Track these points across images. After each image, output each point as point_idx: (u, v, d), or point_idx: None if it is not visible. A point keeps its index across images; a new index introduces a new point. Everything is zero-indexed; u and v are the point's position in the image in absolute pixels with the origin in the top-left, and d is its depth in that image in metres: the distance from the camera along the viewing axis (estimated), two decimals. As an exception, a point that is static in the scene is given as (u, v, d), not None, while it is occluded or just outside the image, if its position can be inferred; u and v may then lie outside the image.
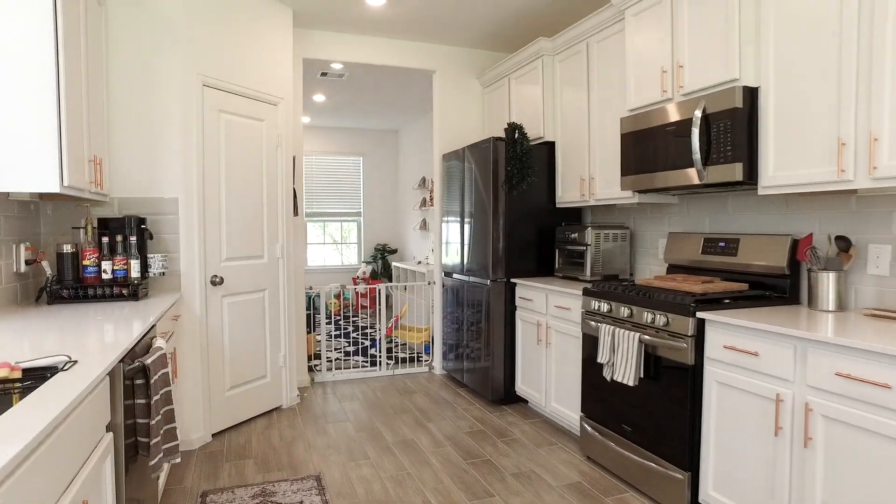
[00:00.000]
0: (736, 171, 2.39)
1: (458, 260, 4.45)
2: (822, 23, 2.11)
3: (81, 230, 2.88)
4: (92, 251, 2.72)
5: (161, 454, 1.88)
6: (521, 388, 3.88)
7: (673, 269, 3.20)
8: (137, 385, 1.82)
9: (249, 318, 3.66)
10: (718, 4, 2.49)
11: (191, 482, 2.84)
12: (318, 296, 6.59)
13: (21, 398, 1.38)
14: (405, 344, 5.93)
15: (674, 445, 2.45)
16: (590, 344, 3.02)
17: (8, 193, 2.47)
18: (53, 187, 2.25)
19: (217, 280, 3.39)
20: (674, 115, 2.71)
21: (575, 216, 4.12)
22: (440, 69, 4.75)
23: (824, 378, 1.85)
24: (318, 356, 5.24)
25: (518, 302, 3.89)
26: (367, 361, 5.27)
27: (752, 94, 2.38)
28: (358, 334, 6.50)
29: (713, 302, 2.45)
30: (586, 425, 3.05)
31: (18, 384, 1.41)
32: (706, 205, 3.10)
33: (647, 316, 2.57)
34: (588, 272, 3.51)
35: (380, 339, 5.03)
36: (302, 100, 4.39)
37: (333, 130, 8.82)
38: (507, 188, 3.85)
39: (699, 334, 2.35)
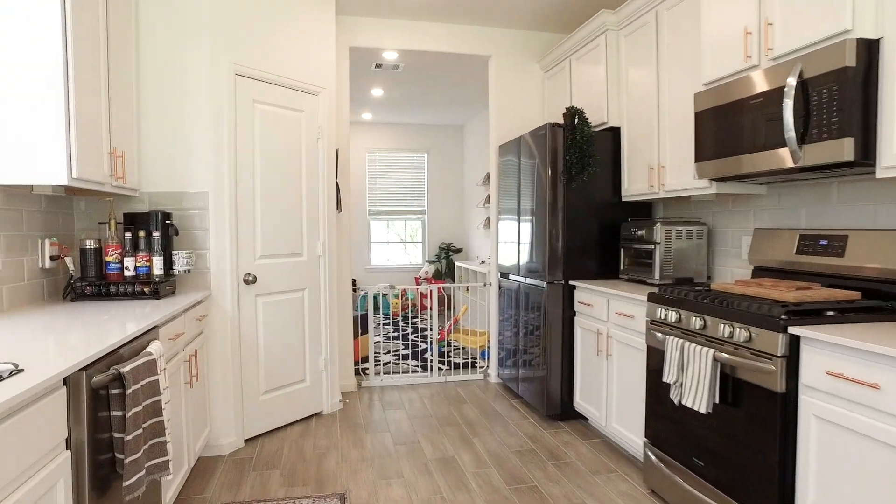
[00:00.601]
0: (844, 149, 1.89)
1: (514, 260, 4.09)
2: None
3: (105, 225, 2.79)
4: (115, 247, 2.61)
5: (142, 472, 1.67)
6: (580, 403, 3.46)
7: (759, 272, 2.68)
8: (113, 395, 1.62)
9: (287, 319, 3.48)
10: (821, -58, 1.99)
11: (211, 493, 2.66)
12: (365, 296, 6.41)
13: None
14: (464, 348, 5.62)
15: (758, 491, 1.97)
16: (656, 359, 2.58)
17: (31, 187, 2.39)
18: (61, 179, 2.13)
19: (250, 278, 3.22)
20: (760, 85, 2.22)
21: (644, 211, 3.64)
22: (496, 54, 4.40)
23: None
24: (365, 360, 5.04)
25: (577, 307, 3.47)
26: (420, 366, 5.00)
27: (869, 49, 1.87)
28: (417, 337, 6.26)
29: (812, 314, 1.95)
30: (651, 454, 2.61)
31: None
32: (803, 194, 2.56)
33: (725, 329, 2.11)
34: (657, 275, 3.05)
35: (431, 343, 4.75)
36: (348, 91, 4.18)
37: (396, 126, 8.66)
38: (565, 180, 3.45)
39: (792, 354, 1.86)
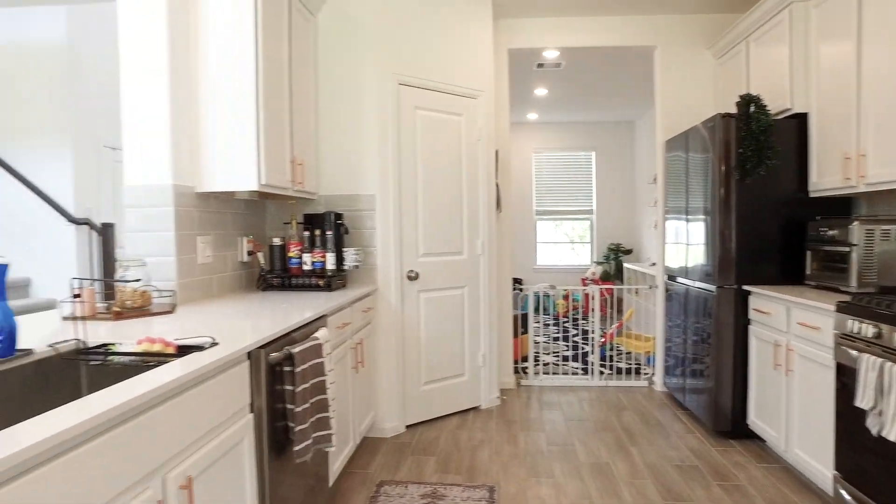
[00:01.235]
0: None
1: (681, 262, 3.82)
2: None
3: (288, 225, 3.20)
4: (296, 244, 2.99)
5: (308, 441, 1.91)
6: (754, 421, 3.12)
7: None
8: (285, 372, 1.87)
9: (447, 315, 3.67)
10: None
11: (373, 469, 2.92)
12: (527, 295, 6.40)
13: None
14: (629, 353, 5.38)
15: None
16: (847, 379, 2.23)
17: (234, 193, 2.85)
18: (253, 185, 2.52)
19: (413, 275, 3.46)
20: None
21: (837, 207, 3.15)
22: (661, 44, 4.14)
23: None
24: (525, 359, 5.07)
25: (752, 315, 3.13)
26: (582, 368, 4.90)
27: None
28: (582, 339, 6.13)
29: None
30: (842, 490, 2.27)
31: (171, 357, 1.54)
32: None
33: (934, 347, 1.76)
34: (854, 281, 2.63)
35: (592, 345, 4.62)
36: (508, 93, 4.26)
37: (561, 125, 8.55)
38: (739, 175, 3.14)
39: None
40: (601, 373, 4.71)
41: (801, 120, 3.11)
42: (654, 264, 6.46)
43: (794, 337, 2.71)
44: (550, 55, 4.85)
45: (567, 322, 6.73)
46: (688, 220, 3.67)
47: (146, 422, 1.18)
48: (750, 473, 2.84)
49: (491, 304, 3.89)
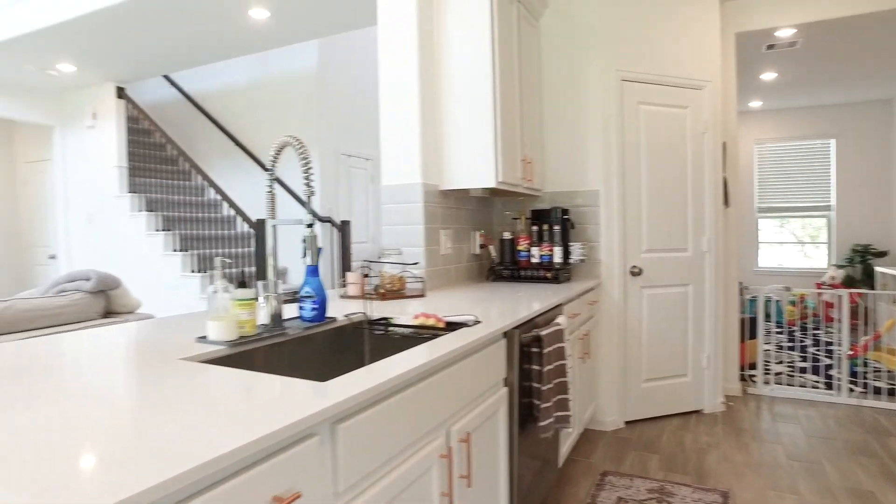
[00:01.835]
0: None
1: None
2: None
3: (517, 220, 3.40)
4: (524, 238, 3.18)
5: (551, 419, 2.05)
6: None
7: None
8: (533, 353, 2.03)
9: (670, 313, 3.56)
10: None
11: (595, 459, 2.97)
12: (755, 299, 5.80)
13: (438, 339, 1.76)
14: (889, 371, 4.62)
15: None
16: None
17: (468, 190, 3.14)
18: (490, 182, 2.76)
19: (636, 271, 3.43)
20: None
21: None
22: (942, 3, 3.51)
23: None
24: (753, 366, 4.65)
25: None
26: (824, 383, 4.36)
27: None
28: (819, 350, 5.43)
29: None
30: None
31: (442, 332, 1.80)
32: None
33: None
34: None
35: (839, 358, 4.07)
36: (735, 81, 3.97)
37: (791, 112, 7.61)
38: None
39: None
40: (850, 390, 4.13)
41: None
42: (919, 267, 5.44)
43: None
44: (784, 34, 4.39)
45: (796, 330, 5.99)
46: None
47: (435, 381, 1.39)
48: None
49: (717, 304, 3.67)
